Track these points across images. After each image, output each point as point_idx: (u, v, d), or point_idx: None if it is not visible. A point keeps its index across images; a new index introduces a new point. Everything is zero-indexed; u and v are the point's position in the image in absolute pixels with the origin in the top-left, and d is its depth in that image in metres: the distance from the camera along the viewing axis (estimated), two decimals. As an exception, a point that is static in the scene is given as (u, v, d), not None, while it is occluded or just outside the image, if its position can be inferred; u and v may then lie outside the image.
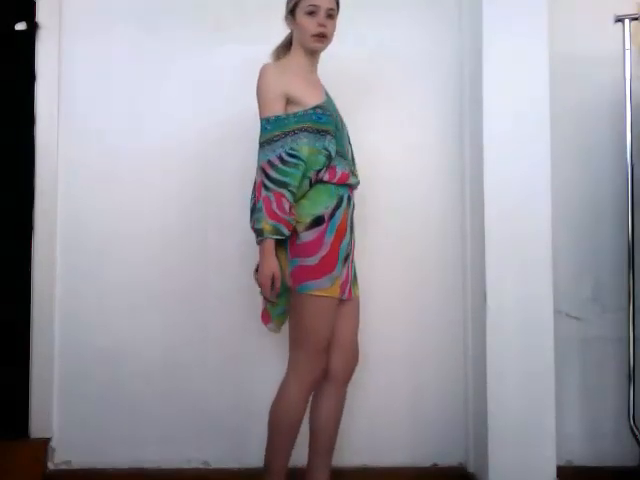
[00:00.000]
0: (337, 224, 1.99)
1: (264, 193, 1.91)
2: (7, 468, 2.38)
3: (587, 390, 2.52)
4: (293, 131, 1.94)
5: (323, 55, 2.09)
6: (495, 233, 2.22)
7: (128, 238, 2.52)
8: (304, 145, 1.94)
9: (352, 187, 2.09)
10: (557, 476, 2.18)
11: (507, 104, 2.22)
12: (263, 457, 2.06)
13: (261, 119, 1.97)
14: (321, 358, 2.03)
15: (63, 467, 2.49)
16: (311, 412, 2.11)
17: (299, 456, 2.10)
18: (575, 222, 2.53)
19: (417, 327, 2.53)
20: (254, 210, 1.95)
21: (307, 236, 1.96)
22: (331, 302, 1.99)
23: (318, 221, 1.97)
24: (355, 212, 2.10)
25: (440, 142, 2.56)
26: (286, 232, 1.91)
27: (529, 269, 2.20)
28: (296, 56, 2.06)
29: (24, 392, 2.49)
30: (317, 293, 1.95)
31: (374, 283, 2.44)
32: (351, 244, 2.07)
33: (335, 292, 1.99)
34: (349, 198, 2.06)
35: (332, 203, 1.99)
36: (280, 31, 2.11)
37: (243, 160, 2.36)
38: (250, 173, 2.07)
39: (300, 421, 2.03)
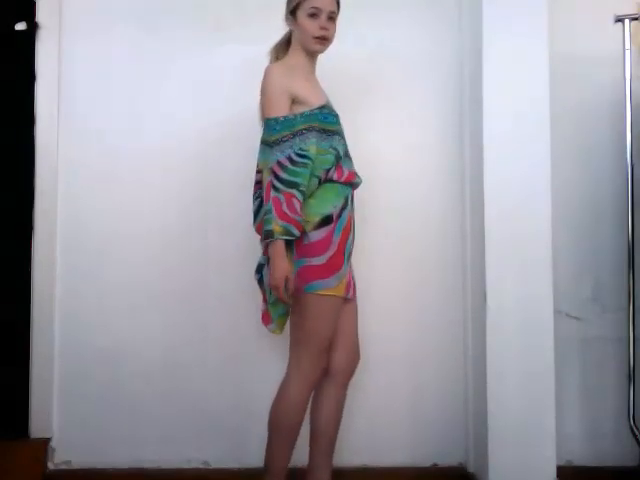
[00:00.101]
0: (344, 224, 2.00)
1: (273, 194, 1.89)
2: (7, 468, 2.38)
3: (587, 390, 2.52)
4: (301, 131, 1.94)
5: (323, 55, 2.08)
6: (495, 233, 2.22)
7: (128, 238, 2.52)
8: (312, 145, 1.94)
9: (355, 187, 2.09)
10: (557, 476, 2.18)
11: (507, 104, 2.22)
12: (263, 457, 2.06)
13: (267, 119, 1.96)
14: (323, 358, 2.03)
15: (63, 467, 2.49)
16: (311, 413, 2.11)
17: (299, 456, 2.10)
18: (575, 222, 2.53)
19: (417, 327, 2.53)
20: (261, 211, 1.95)
21: (315, 235, 1.96)
22: (336, 301, 2.00)
23: (327, 220, 1.97)
24: (355, 212, 2.10)
25: (440, 142, 2.56)
26: (296, 233, 1.91)
27: (529, 269, 2.20)
28: (296, 56, 2.05)
29: (24, 392, 2.49)
30: (324, 292, 1.96)
31: (374, 283, 2.45)
32: (353, 243, 2.07)
33: (341, 291, 2.00)
34: (352, 198, 2.07)
35: (339, 202, 2.00)
36: (280, 31, 2.11)
37: (243, 160, 2.36)
38: (250, 173, 2.08)
39: (301, 421, 2.03)
